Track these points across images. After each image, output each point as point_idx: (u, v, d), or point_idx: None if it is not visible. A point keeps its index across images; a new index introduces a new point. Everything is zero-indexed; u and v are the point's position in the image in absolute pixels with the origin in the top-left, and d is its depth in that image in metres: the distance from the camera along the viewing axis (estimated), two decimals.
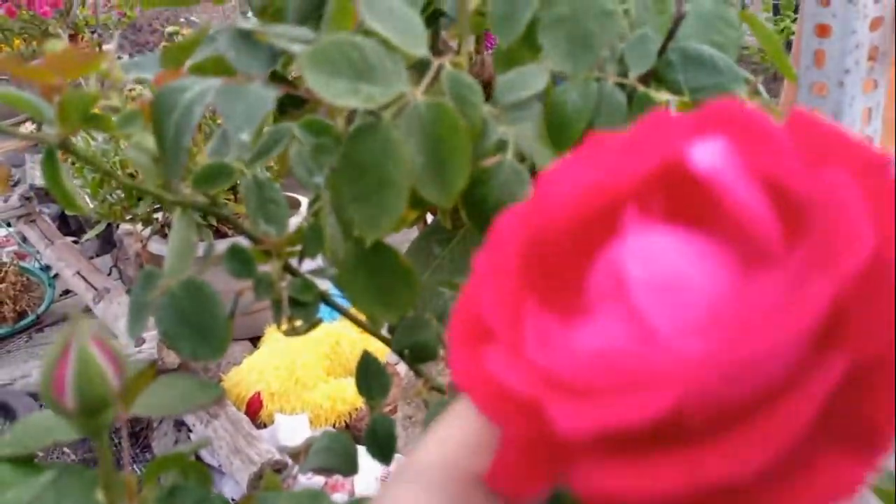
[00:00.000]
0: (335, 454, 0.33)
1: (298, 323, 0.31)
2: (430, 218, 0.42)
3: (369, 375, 0.34)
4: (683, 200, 0.13)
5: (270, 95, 0.24)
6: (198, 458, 1.16)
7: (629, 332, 0.12)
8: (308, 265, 0.32)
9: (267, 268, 0.30)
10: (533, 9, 0.27)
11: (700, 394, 0.11)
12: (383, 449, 0.33)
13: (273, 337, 1.40)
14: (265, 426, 1.17)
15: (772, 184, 0.12)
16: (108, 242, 2.06)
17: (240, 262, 0.28)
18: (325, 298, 0.32)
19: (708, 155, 0.12)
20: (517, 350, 0.13)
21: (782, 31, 2.82)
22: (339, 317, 1.18)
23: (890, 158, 0.12)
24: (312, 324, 0.31)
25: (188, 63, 0.30)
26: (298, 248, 0.31)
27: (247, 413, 1.16)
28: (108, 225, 1.79)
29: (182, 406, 0.24)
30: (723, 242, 0.13)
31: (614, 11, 0.28)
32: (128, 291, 1.66)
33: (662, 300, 0.12)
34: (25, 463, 0.22)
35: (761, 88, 0.37)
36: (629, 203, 0.13)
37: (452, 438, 0.15)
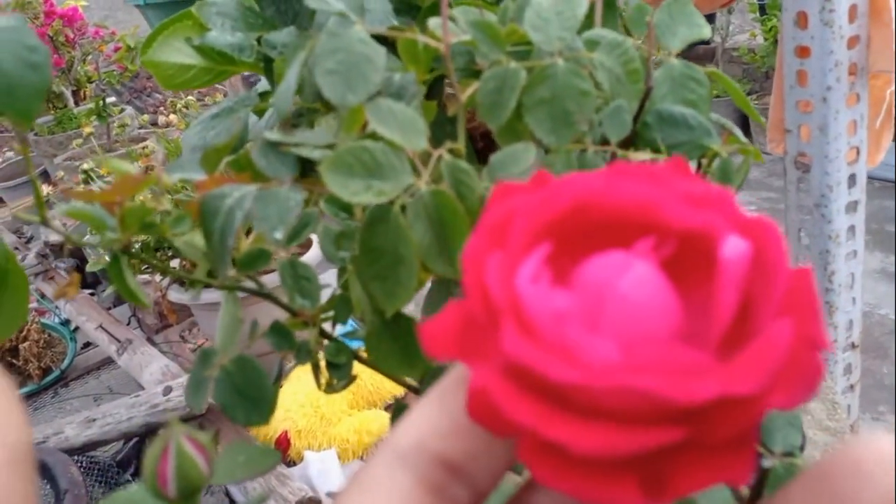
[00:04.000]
0: None
1: (336, 381, 0.35)
2: None
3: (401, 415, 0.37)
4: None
5: (298, 198, 0.28)
6: (232, 501, 1.20)
7: (585, 318, 0.14)
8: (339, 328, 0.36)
9: (304, 335, 0.34)
10: (517, 97, 0.32)
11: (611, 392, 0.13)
12: None
13: (295, 375, 1.43)
14: (294, 464, 1.20)
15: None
16: None
17: (280, 335, 0.32)
18: (357, 357, 0.36)
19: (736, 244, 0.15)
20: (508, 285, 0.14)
21: (770, 30, 2.86)
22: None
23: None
24: (349, 380, 0.35)
25: (224, 161, 0.34)
26: (331, 313, 0.35)
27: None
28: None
29: (246, 473, 0.28)
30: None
31: (589, 91, 0.32)
32: (149, 340, 1.71)
33: (626, 317, 0.14)
34: None
35: (737, 132, 0.41)
36: (645, 232, 0.15)
37: (426, 422, 0.16)
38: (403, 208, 0.30)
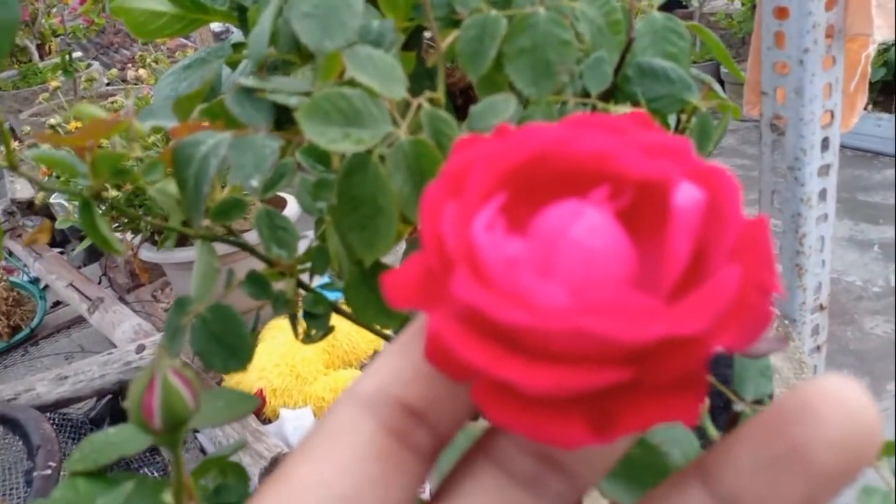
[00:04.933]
0: None
1: (313, 332, 0.35)
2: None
3: None
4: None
5: (275, 145, 0.28)
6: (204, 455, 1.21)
7: (538, 264, 0.14)
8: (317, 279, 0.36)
9: (281, 286, 0.34)
10: (497, 46, 0.31)
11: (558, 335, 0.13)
12: None
13: (270, 335, 1.43)
14: (270, 422, 1.21)
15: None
16: (94, 252, 2.07)
17: (257, 285, 0.32)
18: (336, 308, 0.36)
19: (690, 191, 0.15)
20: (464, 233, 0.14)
21: None
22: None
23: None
24: (327, 331, 0.35)
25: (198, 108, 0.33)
26: (308, 265, 0.35)
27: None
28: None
29: (226, 417, 0.28)
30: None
31: (570, 41, 0.32)
32: (120, 299, 1.69)
33: (578, 263, 0.14)
34: (98, 477, 0.25)
35: (717, 87, 0.41)
36: (602, 180, 0.15)
37: (389, 369, 0.16)
38: (382, 158, 0.29)
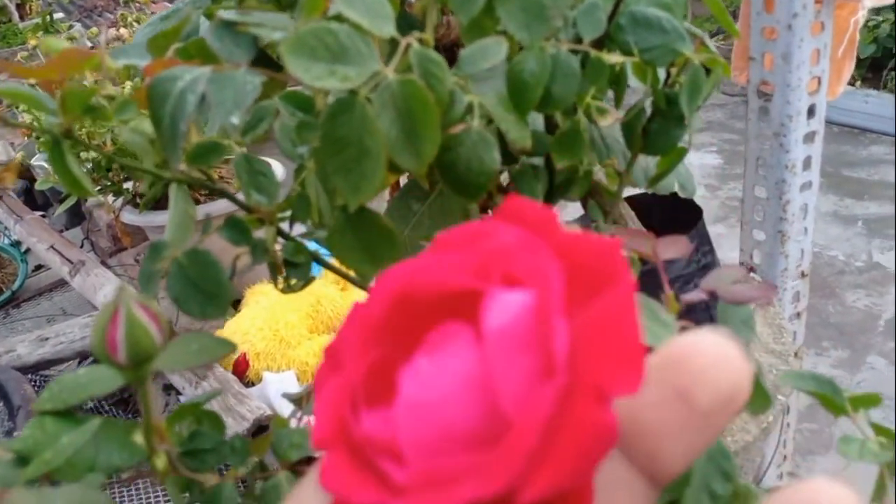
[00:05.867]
0: None
1: (294, 281, 0.34)
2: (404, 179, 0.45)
3: None
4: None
5: (256, 81, 0.27)
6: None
7: (390, 438, 0.15)
8: (298, 229, 0.35)
9: (261, 234, 0.33)
10: None
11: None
12: None
13: (254, 299, 1.43)
14: (253, 385, 1.21)
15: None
16: (76, 215, 2.04)
17: (237, 230, 0.31)
18: (316, 258, 0.35)
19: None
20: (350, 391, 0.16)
21: None
22: (319, 275, 1.20)
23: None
24: (307, 281, 0.35)
25: (173, 48, 0.32)
26: (289, 213, 0.34)
27: (234, 374, 1.20)
28: (77, 198, 1.78)
29: (200, 359, 0.27)
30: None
31: None
32: (103, 263, 1.67)
33: (416, 424, 0.15)
34: (66, 415, 0.25)
35: (709, 42, 0.40)
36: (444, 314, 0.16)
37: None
38: (369, 100, 0.28)
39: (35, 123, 0.30)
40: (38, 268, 1.99)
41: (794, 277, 0.78)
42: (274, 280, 0.34)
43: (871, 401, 0.33)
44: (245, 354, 1.26)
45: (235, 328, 1.33)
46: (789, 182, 0.72)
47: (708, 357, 0.14)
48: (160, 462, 0.27)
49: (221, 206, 1.31)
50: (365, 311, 0.16)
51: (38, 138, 1.34)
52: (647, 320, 0.28)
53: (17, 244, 1.99)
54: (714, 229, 2.43)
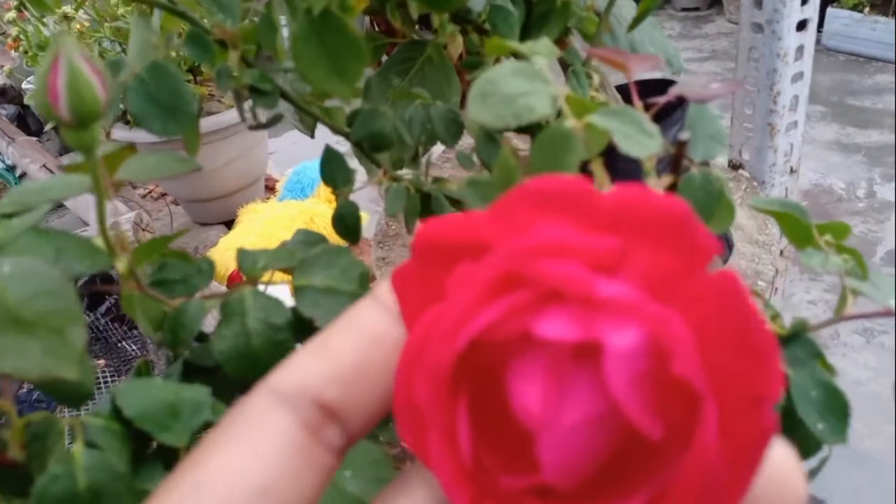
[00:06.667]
0: None
1: (264, 121, 0.34)
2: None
3: (333, 167, 0.37)
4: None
5: None
6: None
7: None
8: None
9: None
10: None
11: None
12: (350, 230, 0.37)
13: (247, 218, 1.43)
14: None
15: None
16: None
17: (198, 44, 0.30)
18: (284, 95, 0.35)
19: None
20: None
21: None
22: (312, 194, 1.21)
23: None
24: (275, 117, 0.34)
25: None
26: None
27: (228, 288, 1.20)
28: None
29: (161, 172, 0.27)
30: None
31: None
32: None
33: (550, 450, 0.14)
34: (32, 228, 0.25)
35: None
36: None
37: (309, 365, 0.17)
38: None
39: (22, 36, 0.30)
40: (60, 206, 1.99)
41: (783, 173, 0.78)
42: (240, 114, 0.34)
43: (839, 229, 0.33)
44: (238, 269, 1.26)
45: (229, 244, 1.34)
46: (781, 72, 0.71)
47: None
48: (121, 265, 0.27)
49: (216, 121, 1.30)
50: (432, 365, 0.15)
51: (25, 52, 1.32)
52: (633, 131, 0.27)
53: (11, 168, 1.98)
54: (722, 160, 2.40)
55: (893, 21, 2.81)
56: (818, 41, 3.01)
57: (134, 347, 1.35)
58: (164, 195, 1.72)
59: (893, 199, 2.16)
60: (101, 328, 1.36)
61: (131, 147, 0.29)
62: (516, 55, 0.28)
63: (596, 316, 0.13)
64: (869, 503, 1.25)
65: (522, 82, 0.25)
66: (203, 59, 0.31)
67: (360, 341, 0.16)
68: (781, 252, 0.80)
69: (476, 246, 0.14)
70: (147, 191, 1.75)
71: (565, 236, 0.14)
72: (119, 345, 1.32)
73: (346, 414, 0.16)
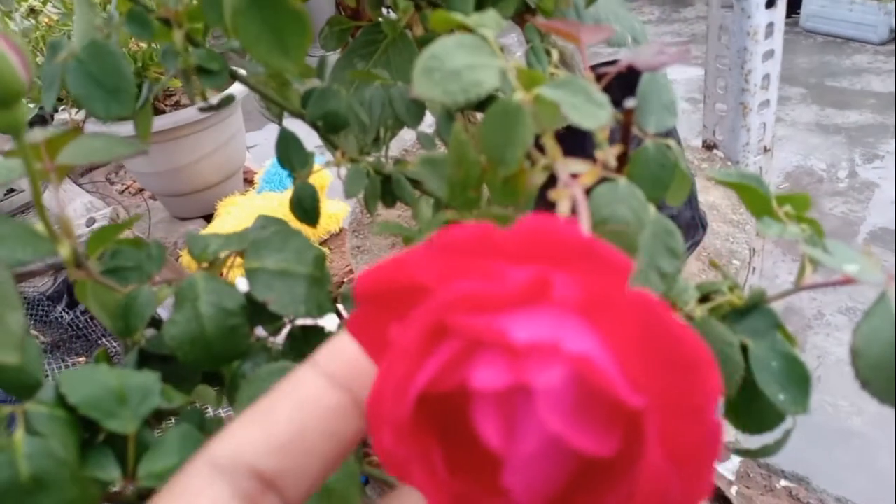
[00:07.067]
0: None
1: (215, 102, 0.33)
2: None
3: (288, 149, 0.36)
4: None
5: None
6: None
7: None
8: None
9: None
10: None
11: None
12: (308, 213, 0.37)
13: (226, 211, 1.42)
14: None
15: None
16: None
17: (138, 23, 0.30)
18: (234, 75, 0.34)
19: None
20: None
21: None
22: (290, 186, 1.19)
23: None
24: (226, 98, 0.34)
25: None
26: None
27: None
28: (42, 117, 1.74)
29: (106, 155, 0.27)
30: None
31: None
32: (73, 181, 1.64)
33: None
34: None
35: None
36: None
37: (245, 437, 0.17)
38: None
39: None
40: (11, 191, 1.96)
41: (756, 152, 0.78)
42: (190, 95, 0.33)
43: (799, 200, 0.33)
44: (189, 254, 1.25)
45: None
46: (751, 50, 0.71)
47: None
48: (65, 251, 0.27)
49: (192, 114, 1.29)
50: (392, 418, 0.15)
51: None
52: (581, 101, 0.27)
53: None
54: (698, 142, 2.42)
55: (869, 1, 2.83)
56: (796, 23, 3.02)
57: (115, 344, 1.34)
58: (141, 190, 1.70)
59: (874, 179, 2.17)
60: (82, 325, 1.35)
61: (76, 130, 0.28)
62: (464, 29, 0.27)
63: (521, 359, 0.14)
64: (852, 481, 1.26)
65: (468, 56, 0.25)
66: (145, 34, 0.30)
67: (297, 409, 0.17)
68: (758, 232, 0.80)
69: (413, 288, 0.15)
70: (125, 186, 1.73)
71: (486, 279, 0.14)
72: (100, 342, 1.31)
73: (284, 483, 0.16)
